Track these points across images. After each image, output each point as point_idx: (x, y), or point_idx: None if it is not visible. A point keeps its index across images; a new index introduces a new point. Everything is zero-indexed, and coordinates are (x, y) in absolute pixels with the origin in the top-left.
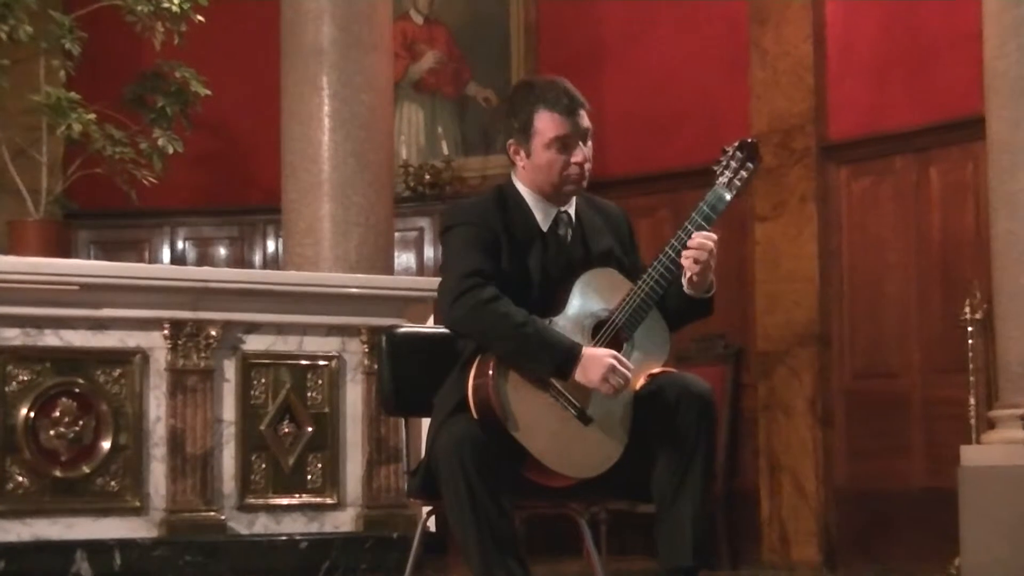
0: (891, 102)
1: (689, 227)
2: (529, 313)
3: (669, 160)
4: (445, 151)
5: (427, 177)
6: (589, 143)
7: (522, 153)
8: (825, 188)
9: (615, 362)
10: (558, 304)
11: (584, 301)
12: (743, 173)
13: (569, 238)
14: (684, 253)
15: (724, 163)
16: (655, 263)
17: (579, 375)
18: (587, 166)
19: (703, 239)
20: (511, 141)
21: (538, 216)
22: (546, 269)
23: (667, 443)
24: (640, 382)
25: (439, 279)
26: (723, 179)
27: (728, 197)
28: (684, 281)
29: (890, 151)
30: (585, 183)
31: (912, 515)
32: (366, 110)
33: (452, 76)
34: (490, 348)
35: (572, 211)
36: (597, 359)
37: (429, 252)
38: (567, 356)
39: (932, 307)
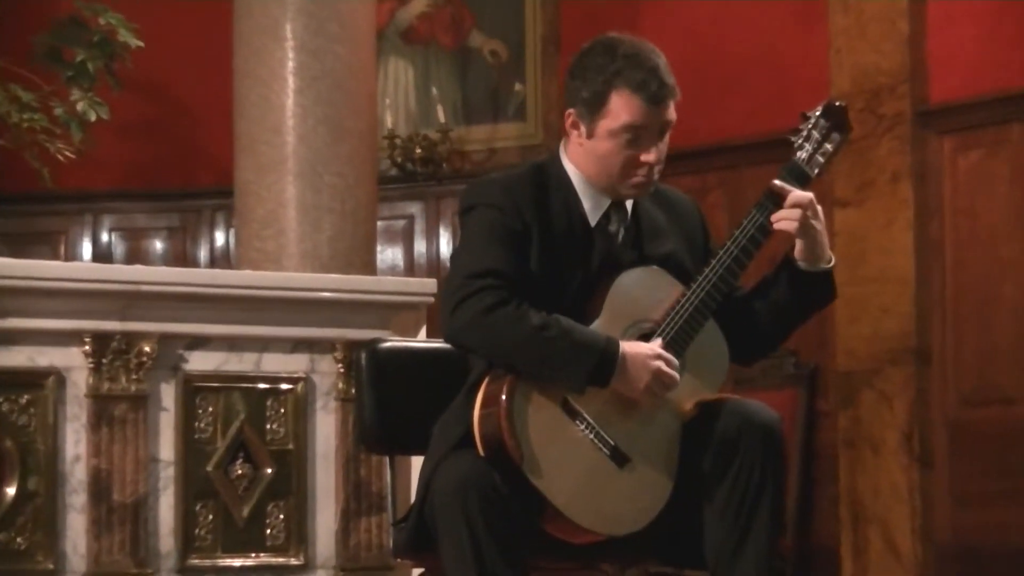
0: (1007, 56)
1: (757, 214)
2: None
3: (725, 130)
4: (441, 118)
5: (418, 151)
6: (666, 138)
7: (582, 129)
8: (923, 164)
9: (662, 364)
10: (590, 314)
11: (620, 310)
12: (828, 146)
13: (621, 237)
14: (776, 218)
15: (804, 133)
16: (713, 262)
17: (617, 381)
18: (657, 168)
19: (797, 198)
20: (571, 110)
21: (586, 205)
22: (587, 273)
23: (723, 488)
24: (690, 412)
25: (434, 280)
26: (803, 154)
27: (810, 175)
28: (797, 250)
29: (1006, 117)
30: (650, 189)
31: None
32: (342, 66)
33: (450, 23)
34: (504, 364)
35: (629, 203)
36: (640, 360)
37: (420, 246)
38: (604, 357)
39: None
